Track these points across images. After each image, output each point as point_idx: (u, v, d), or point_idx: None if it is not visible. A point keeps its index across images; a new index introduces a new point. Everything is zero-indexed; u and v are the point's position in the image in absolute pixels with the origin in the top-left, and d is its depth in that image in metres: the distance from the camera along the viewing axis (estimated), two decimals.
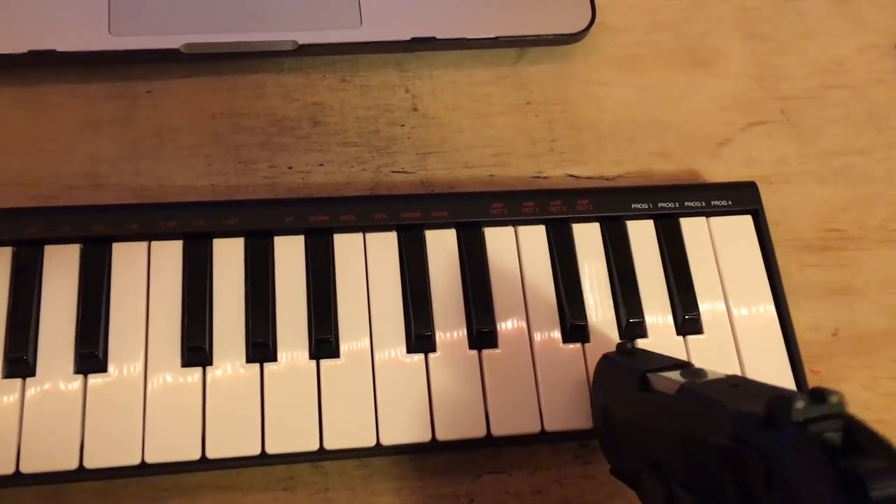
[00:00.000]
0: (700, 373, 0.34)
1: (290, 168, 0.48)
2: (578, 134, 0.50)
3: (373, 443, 0.40)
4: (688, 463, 0.30)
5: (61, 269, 0.40)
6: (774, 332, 0.44)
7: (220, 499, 0.41)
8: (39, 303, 0.40)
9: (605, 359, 0.40)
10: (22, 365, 0.38)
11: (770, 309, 0.44)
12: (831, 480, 0.23)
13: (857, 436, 0.25)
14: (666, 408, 0.33)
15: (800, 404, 0.25)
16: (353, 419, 0.40)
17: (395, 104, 0.50)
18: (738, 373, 0.43)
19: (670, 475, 0.31)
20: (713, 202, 0.46)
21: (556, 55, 0.52)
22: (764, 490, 0.25)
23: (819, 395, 0.25)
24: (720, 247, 0.45)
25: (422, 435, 0.40)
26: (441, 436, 0.40)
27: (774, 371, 0.43)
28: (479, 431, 0.40)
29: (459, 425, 0.40)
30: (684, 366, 0.36)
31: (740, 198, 0.46)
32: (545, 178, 0.49)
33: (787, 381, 0.43)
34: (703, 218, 0.46)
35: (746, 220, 0.46)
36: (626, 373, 0.37)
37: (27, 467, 0.37)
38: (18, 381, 0.38)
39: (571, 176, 0.49)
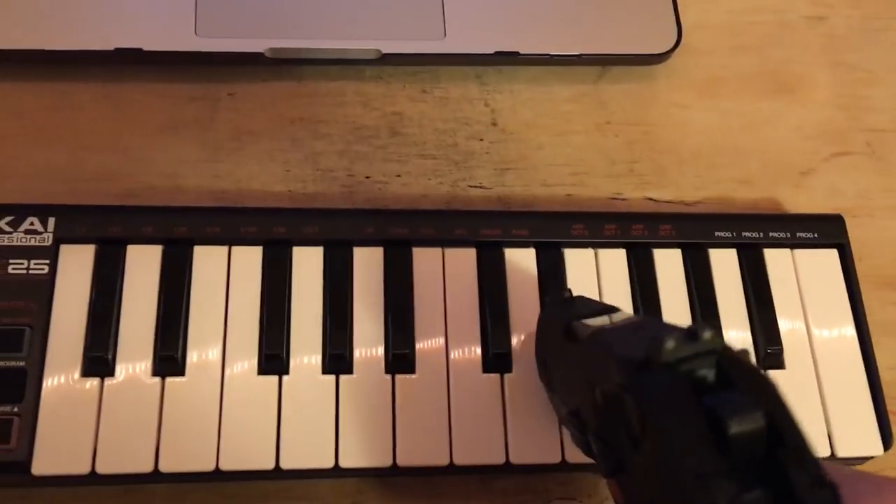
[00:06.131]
0: (619, 318, 0.33)
1: (368, 178, 0.47)
2: (658, 156, 0.50)
3: (446, 462, 0.39)
4: (596, 411, 0.29)
5: (143, 269, 0.40)
6: (858, 371, 0.43)
7: None
8: (120, 302, 0.40)
9: (545, 309, 0.38)
10: (101, 364, 0.38)
11: (854, 347, 0.43)
12: (696, 420, 0.22)
13: (730, 371, 0.24)
14: (580, 356, 0.32)
15: (670, 344, 0.24)
16: (425, 436, 0.39)
17: (475, 118, 0.49)
18: (819, 409, 0.42)
19: (586, 424, 0.30)
20: (798, 234, 0.45)
21: (638, 75, 0.51)
22: (640, 435, 0.24)
23: (692, 334, 0.24)
24: (804, 280, 0.44)
25: (495, 457, 0.39)
26: (514, 459, 0.39)
27: (856, 411, 0.42)
28: (555, 457, 0.40)
29: (532, 449, 0.40)
30: (611, 311, 0.34)
31: (827, 231, 0.45)
32: (623, 199, 0.48)
33: (869, 421, 0.42)
34: (788, 250, 0.45)
35: (832, 255, 0.45)
36: (557, 322, 0.35)
37: (103, 468, 0.37)
38: (97, 380, 0.38)
39: (650, 199, 0.48)
